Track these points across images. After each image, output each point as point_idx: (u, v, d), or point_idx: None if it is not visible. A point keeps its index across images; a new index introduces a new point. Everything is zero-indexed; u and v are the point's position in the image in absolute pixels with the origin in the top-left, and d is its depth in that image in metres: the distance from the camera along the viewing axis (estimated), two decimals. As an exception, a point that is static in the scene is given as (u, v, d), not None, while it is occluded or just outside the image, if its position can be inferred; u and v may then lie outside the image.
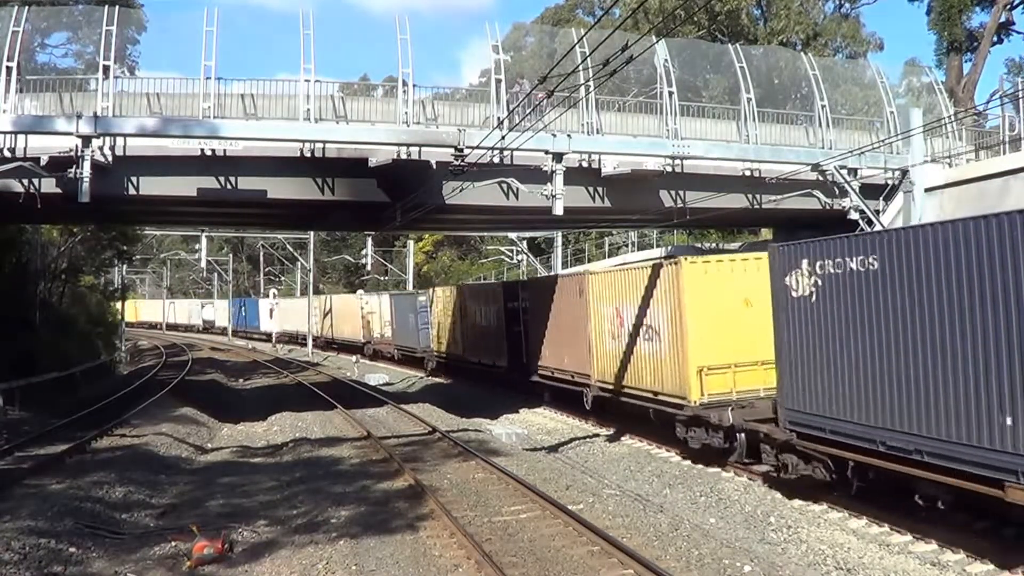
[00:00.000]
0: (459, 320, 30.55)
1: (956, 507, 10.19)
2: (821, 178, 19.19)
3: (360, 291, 60.40)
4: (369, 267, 44.76)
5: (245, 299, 74.26)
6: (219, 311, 76.23)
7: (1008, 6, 39.17)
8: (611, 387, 18.67)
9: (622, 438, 18.54)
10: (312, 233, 50.81)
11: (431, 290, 36.47)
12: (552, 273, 35.23)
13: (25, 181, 15.80)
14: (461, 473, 14.39)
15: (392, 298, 42.15)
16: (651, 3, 35.25)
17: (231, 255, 77.36)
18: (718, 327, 15.18)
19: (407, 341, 38.60)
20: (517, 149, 14.92)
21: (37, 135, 15.43)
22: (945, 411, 9.45)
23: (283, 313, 60.48)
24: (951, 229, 9.44)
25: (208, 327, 77.77)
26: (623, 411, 18.83)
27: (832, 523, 11.60)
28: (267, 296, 66.94)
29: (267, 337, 62.11)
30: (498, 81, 18.26)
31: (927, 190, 19.52)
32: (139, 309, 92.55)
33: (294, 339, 58.02)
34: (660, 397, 16.45)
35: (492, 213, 21.79)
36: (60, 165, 14.89)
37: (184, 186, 17.25)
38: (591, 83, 14.72)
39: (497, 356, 26.71)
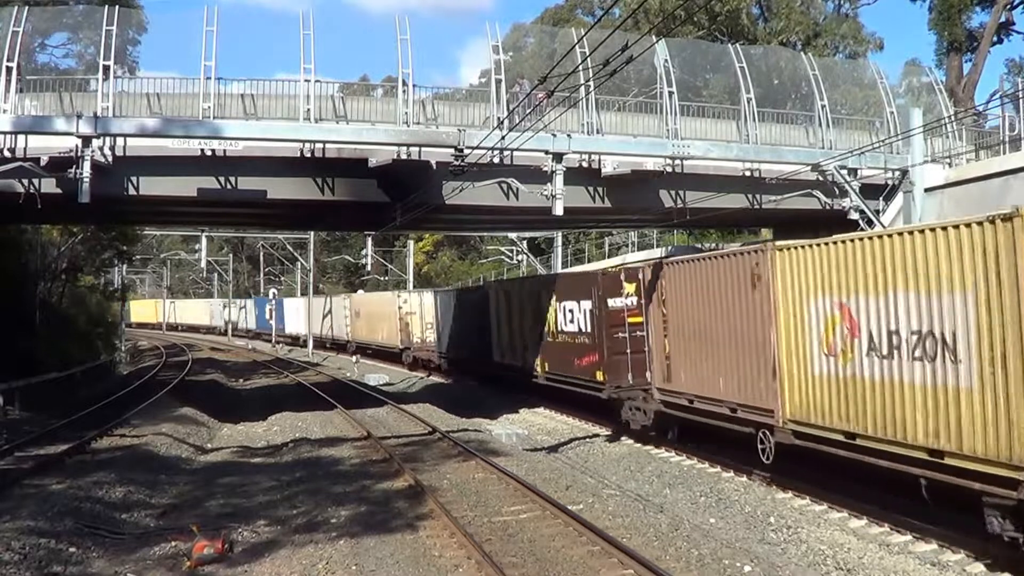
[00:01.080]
0: (533, 323, 23.22)
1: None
2: (821, 178, 19.19)
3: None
4: (369, 267, 44.46)
5: (272, 299, 66.30)
6: (244, 312, 70.01)
7: (1008, 6, 39.19)
8: (822, 433, 11.84)
9: (622, 438, 18.51)
10: (312, 233, 50.83)
11: (492, 283, 28.89)
12: (689, 249, 26.05)
13: (25, 181, 15.80)
14: (461, 473, 14.39)
15: (437, 296, 35.33)
16: (651, 3, 35.25)
17: (231, 255, 77.39)
18: None
19: (457, 349, 31.80)
20: (517, 149, 14.94)
21: (37, 135, 15.44)
22: None
23: (318, 315, 53.42)
24: None
25: (234, 329, 71.57)
26: (831, 467, 12.32)
27: (832, 523, 11.59)
28: (298, 296, 60.55)
29: (294, 340, 56.72)
30: (498, 81, 18.28)
31: (927, 190, 19.52)
32: (159, 310, 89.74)
33: (334, 344, 50.40)
34: (950, 462, 9.60)
35: (492, 213, 21.79)
36: (60, 165, 14.89)
37: (184, 186, 17.25)
38: (591, 83, 14.72)
39: (590, 373, 19.28)
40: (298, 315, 57.20)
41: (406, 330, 38.46)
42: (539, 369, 22.65)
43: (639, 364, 17.66)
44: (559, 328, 21.25)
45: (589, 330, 19.37)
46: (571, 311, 20.42)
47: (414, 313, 37.53)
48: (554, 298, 21.68)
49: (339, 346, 49.55)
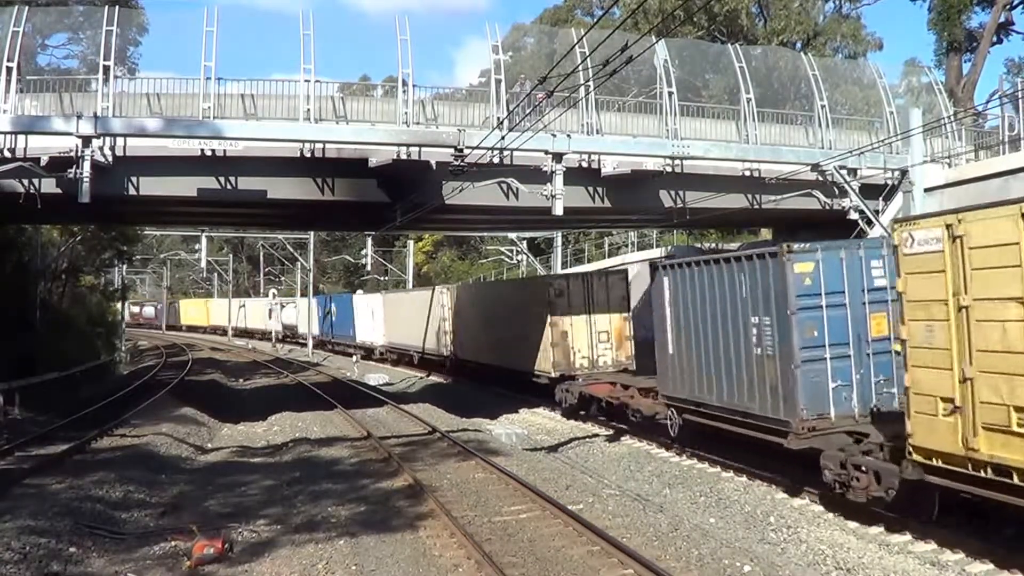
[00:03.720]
0: None
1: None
2: (821, 178, 19.20)
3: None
4: (369, 267, 44.38)
5: (334, 296, 53.77)
6: (302, 313, 54.34)
7: (1008, 6, 39.17)
8: None
9: (622, 438, 18.53)
10: (312, 233, 50.82)
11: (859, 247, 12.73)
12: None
13: (25, 181, 15.81)
14: (461, 473, 14.40)
15: (674, 274, 15.41)
16: (651, 3, 35.26)
17: (231, 255, 77.36)
18: None
19: (704, 386, 14.48)
20: (517, 149, 14.96)
21: (37, 135, 15.45)
22: None
23: (391, 317, 40.63)
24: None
25: (290, 335, 58.66)
26: None
27: (832, 523, 11.59)
28: (363, 294, 48.47)
29: (368, 352, 43.77)
30: (498, 81, 18.29)
31: (927, 190, 19.54)
32: (211, 311, 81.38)
33: (424, 361, 35.77)
34: None
35: (492, 213, 21.80)
36: (60, 165, 14.90)
37: (184, 186, 17.26)
38: (591, 83, 14.73)
39: None
40: (374, 319, 42.80)
41: (562, 345, 22.21)
42: None
43: None
44: None
45: None
46: None
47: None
48: None
49: (435, 364, 34.66)
